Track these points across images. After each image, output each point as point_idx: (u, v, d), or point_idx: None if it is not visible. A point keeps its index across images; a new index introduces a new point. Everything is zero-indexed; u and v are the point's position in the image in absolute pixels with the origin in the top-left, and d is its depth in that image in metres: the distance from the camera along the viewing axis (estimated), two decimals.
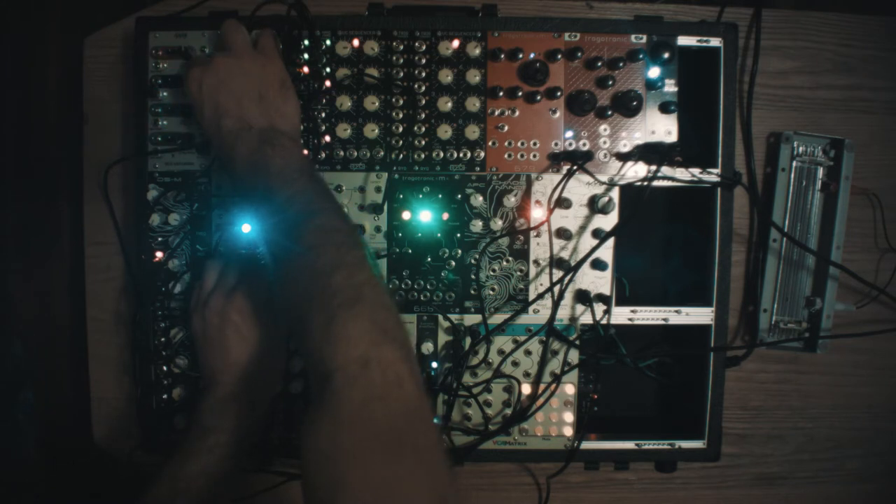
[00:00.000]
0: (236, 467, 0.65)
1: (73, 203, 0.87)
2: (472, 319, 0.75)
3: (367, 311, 0.51)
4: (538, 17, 0.75)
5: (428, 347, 0.75)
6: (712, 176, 0.74)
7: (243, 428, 0.65)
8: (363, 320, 0.50)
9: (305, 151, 0.73)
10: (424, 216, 0.75)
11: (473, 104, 0.73)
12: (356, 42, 0.73)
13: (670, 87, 0.75)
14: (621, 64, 0.73)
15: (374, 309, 0.51)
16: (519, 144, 0.74)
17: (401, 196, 0.74)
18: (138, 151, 0.74)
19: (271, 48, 0.70)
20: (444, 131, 0.73)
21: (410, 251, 0.75)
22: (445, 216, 0.75)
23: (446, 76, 0.73)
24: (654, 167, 0.73)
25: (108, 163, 0.78)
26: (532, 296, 0.75)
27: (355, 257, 0.55)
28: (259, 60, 0.68)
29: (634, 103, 0.73)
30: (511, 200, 0.74)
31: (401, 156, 0.74)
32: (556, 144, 0.75)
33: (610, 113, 0.74)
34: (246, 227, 0.74)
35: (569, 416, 0.76)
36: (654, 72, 0.74)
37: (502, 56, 0.73)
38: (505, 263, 0.75)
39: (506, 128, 0.74)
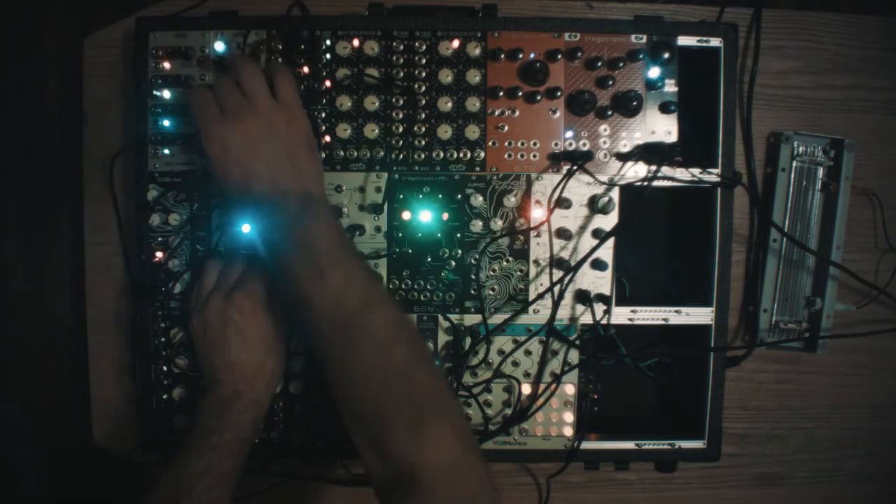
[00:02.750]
0: (238, 466, 0.65)
1: (73, 203, 0.87)
2: (472, 319, 0.75)
3: (454, 418, 0.56)
4: (538, 17, 0.75)
5: (428, 347, 0.75)
6: (712, 176, 0.74)
7: (245, 427, 0.65)
8: (451, 426, 0.54)
9: None
10: (424, 216, 0.74)
11: (473, 104, 0.73)
12: (356, 42, 0.73)
13: (670, 87, 0.74)
14: (621, 64, 0.73)
15: (458, 415, 0.58)
16: (519, 144, 0.74)
17: (401, 196, 0.74)
18: (144, 143, 0.74)
19: (293, 98, 0.67)
20: (444, 131, 0.73)
21: (410, 251, 0.75)
22: (445, 216, 0.75)
23: (446, 76, 0.73)
24: (654, 167, 0.73)
25: (112, 158, 0.78)
26: (532, 296, 0.75)
27: (425, 352, 0.59)
28: (284, 116, 0.65)
29: (634, 103, 0.73)
30: (511, 200, 0.74)
31: (401, 156, 0.74)
32: (556, 144, 0.75)
33: (610, 113, 0.74)
34: (246, 228, 0.74)
35: (569, 416, 0.76)
36: (654, 72, 0.74)
37: (502, 56, 0.73)
38: (505, 263, 0.75)
39: (506, 128, 0.74)
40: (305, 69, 0.73)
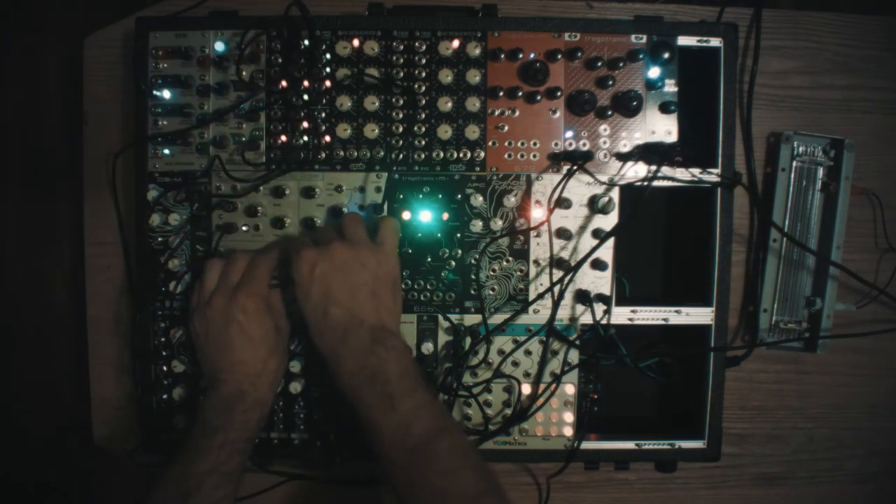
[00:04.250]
0: (242, 465, 0.65)
1: (73, 203, 0.87)
2: (472, 319, 0.75)
3: None
4: (538, 17, 0.75)
5: (428, 347, 0.75)
6: (712, 176, 0.74)
7: (250, 426, 0.66)
8: None
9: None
10: (424, 216, 0.75)
11: (473, 104, 0.73)
12: (356, 42, 0.73)
13: (670, 87, 0.74)
14: (621, 64, 0.73)
15: None
16: (519, 144, 0.74)
17: (401, 196, 0.75)
18: (145, 140, 0.74)
19: (391, 244, 0.69)
20: (444, 131, 0.73)
21: (410, 251, 0.75)
22: (445, 216, 0.75)
23: (446, 76, 0.73)
24: (654, 167, 0.73)
25: (112, 158, 0.78)
26: (532, 296, 0.75)
27: (496, 484, 0.58)
28: (376, 256, 0.67)
29: (634, 103, 0.73)
30: (511, 200, 0.74)
31: (401, 156, 0.74)
32: (556, 144, 0.75)
33: (610, 113, 0.74)
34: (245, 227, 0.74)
35: (569, 416, 0.76)
36: (654, 72, 0.74)
37: (502, 56, 0.73)
38: (505, 263, 0.75)
39: (506, 128, 0.74)
40: (305, 70, 0.73)
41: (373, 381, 0.61)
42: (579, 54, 0.73)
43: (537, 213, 0.75)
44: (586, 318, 0.75)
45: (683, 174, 0.74)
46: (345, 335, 0.63)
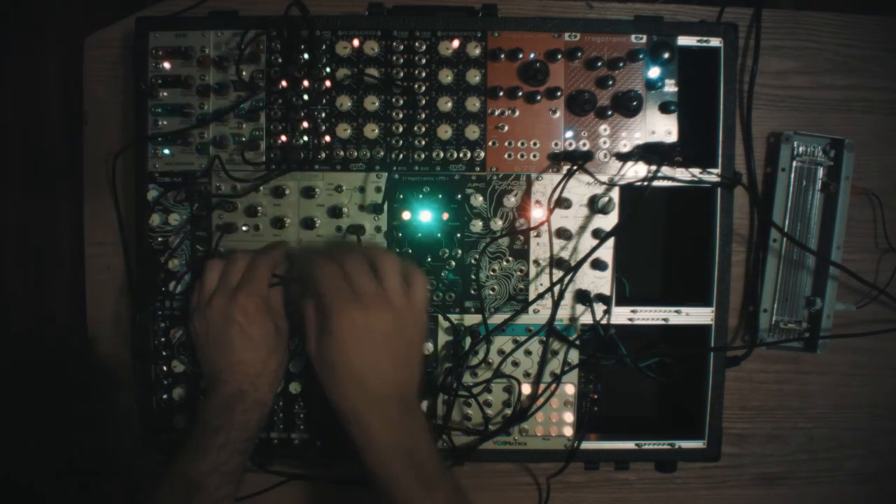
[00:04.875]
0: (243, 465, 0.65)
1: (73, 203, 0.87)
2: (472, 319, 0.75)
3: None
4: (538, 17, 0.75)
5: (428, 347, 0.75)
6: (712, 176, 0.74)
7: (251, 426, 0.66)
8: None
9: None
10: (424, 216, 0.75)
11: (473, 104, 0.73)
12: (356, 42, 0.73)
13: (670, 87, 0.74)
14: (621, 64, 0.73)
15: None
16: (519, 144, 0.74)
17: (401, 196, 0.75)
18: (145, 140, 0.74)
19: (424, 302, 0.66)
20: (444, 131, 0.73)
21: (410, 251, 0.75)
22: (445, 216, 0.75)
23: (446, 76, 0.73)
24: (654, 167, 0.73)
25: (112, 158, 0.78)
26: (532, 296, 0.75)
27: None
28: (412, 318, 0.65)
29: (634, 103, 0.73)
30: (511, 200, 0.74)
31: (401, 156, 0.74)
32: (556, 144, 0.75)
33: (610, 113, 0.74)
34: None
35: (569, 416, 0.76)
36: (654, 72, 0.74)
37: (502, 56, 0.73)
38: (505, 263, 0.75)
39: (506, 128, 0.74)
40: (305, 70, 0.73)
41: (408, 458, 0.60)
42: (579, 54, 0.73)
43: (537, 213, 0.75)
44: (586, 318, 0.75)
45: (683, 174, 0.74)
46: (382, 406, 0.61)
